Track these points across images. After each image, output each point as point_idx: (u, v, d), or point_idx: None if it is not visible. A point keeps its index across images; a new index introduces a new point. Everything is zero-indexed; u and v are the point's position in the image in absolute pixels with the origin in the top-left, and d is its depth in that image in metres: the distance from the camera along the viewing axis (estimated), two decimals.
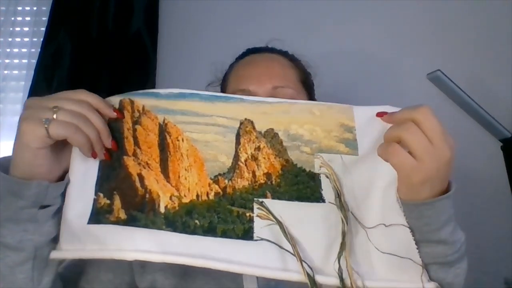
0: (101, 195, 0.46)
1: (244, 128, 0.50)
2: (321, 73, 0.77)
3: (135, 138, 0.49)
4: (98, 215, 0.45)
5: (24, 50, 1.25)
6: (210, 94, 0.51)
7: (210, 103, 0.50)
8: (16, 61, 1.24)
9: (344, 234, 0.44)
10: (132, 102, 0.50)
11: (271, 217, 0.45)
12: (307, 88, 0.71)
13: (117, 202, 0.46)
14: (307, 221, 0.46)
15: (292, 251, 0.44)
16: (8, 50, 1.24)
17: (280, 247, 0.44)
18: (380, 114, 0.47)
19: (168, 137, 0.49)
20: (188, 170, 0.48)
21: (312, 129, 0.50)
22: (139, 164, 0.48)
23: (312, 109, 0.50)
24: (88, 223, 0.45)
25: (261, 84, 0.63)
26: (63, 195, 0.46)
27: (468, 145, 1.05)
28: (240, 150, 0.49)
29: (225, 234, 0.45)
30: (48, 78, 1.12)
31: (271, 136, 0.50)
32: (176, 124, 0.49)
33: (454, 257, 0.46)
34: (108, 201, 0.46)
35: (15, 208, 0.43)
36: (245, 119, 0.50)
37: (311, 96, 0.72)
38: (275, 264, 0.44)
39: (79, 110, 0.44)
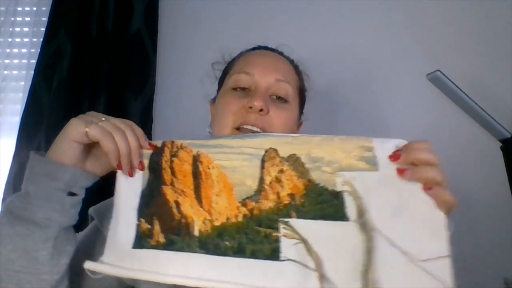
0: (143, 220, 0.51)
1: (269, 155, 0.54)
2: (320, 73, 0.77)
3: (172, 168, 0.54)
4: (141, 240, 0.50)
5: (24, 50, 1.25)
6: (241, 135, 0.59)
7: (239, 139, 0.56)
8: (16, 61, 1.25)
9: (369, 252, 0.44)
10: (172, 142, 0.56)
11: (296, 235, 0.47)
12: (301, 98, 0.75)
13: (157, 227, 0.50)
14: (332, 239, 0.47)
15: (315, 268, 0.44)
16: (8, 50, 1.24)
17: (305, 265, 0.45)
18: (394, 158, 0.49)
19: (200, 166, 0.54)
20: (218, 195, 0.52)
21: (332, 151, 0.52)
22: (176, 192, 0.53)
23: (333, 139, 0.53)
24: (133, 247, 0.49)
25: (266, 74, 0.68)
26: (87, 190, 0.54)
27: (468, 145, 1.06)
28: (264, 173, 0.53)
29: (254, 255, 0.47)
30: (48, 78, 1.12)
31: (293, 159, 0.53)
32: (207, 154, 0.55)
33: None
34: (149, 226, 0.51)
35: (49, 189, 0.50)
36: (270, 148, 0.54)
37: (301, 108, 0.76)
38: (299, 284, 0.44)
39: (120, 126, 0.51)
